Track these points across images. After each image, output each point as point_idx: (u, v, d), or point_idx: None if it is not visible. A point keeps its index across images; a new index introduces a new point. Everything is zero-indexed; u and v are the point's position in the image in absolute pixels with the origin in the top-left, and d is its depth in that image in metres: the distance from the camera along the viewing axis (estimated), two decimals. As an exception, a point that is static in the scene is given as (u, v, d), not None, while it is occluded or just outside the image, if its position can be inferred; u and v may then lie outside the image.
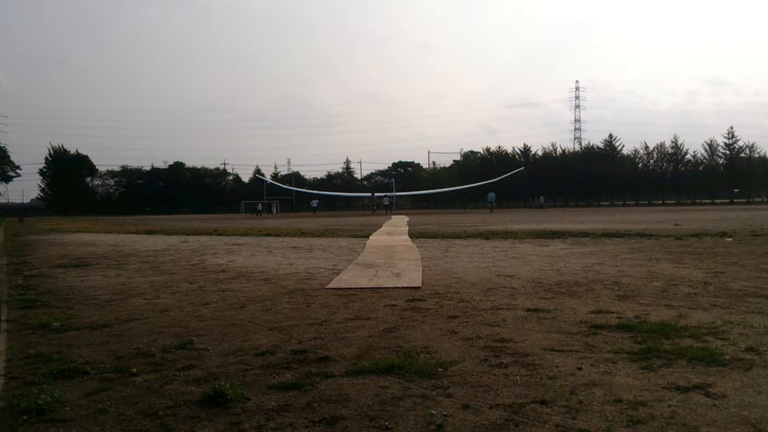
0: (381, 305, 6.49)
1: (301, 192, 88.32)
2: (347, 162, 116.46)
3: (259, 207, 69.31)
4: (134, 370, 4.14)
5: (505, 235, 17.90)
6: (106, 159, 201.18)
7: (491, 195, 63.09)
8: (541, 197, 76.78)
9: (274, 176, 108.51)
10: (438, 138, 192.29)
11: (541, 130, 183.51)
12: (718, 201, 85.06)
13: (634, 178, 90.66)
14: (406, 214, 48.28)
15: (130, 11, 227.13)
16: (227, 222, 39.00)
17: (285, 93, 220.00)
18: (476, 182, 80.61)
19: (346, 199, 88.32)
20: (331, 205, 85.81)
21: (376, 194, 69.17)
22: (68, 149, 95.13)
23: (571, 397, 3.43)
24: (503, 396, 3.48)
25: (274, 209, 74.07)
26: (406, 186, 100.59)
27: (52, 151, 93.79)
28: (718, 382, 3.64)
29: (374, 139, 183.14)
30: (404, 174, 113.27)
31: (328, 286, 8.08)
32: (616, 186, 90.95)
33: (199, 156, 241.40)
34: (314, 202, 67.44)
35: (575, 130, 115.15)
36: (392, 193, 71.17)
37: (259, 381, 3.86)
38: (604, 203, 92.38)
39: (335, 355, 4.43)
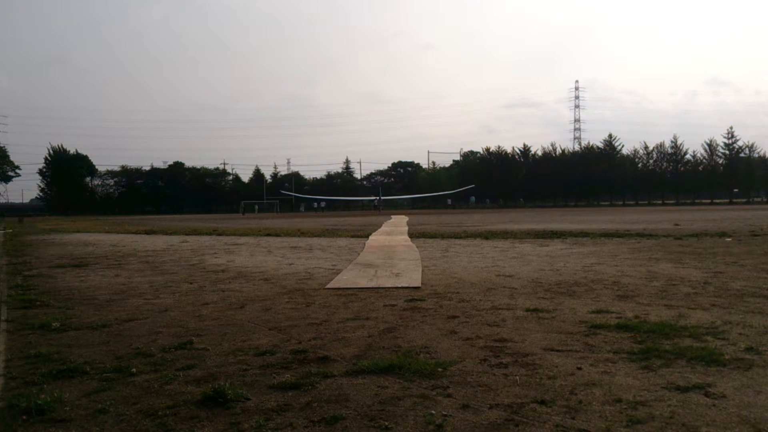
0: (381, 305, 6.49)
1: (302, 192, 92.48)
2: (347, 162, 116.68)
3: (276, 210, 74.74)
4: (134, 370, 4.15)
5: (504, 235, 17.92)
6: (106, 159, 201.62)
7: (472, 198, 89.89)
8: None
9: (274, 176, 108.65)
10: (438, 138, 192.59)
11: (541, 130, 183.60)
12: (718, 201, 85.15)
13: (633, 178, 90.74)
14: (405, 214, 48.30)
15: (130, 11, 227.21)
16: (227, 222, 38.98)
17: (285, 93, 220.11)
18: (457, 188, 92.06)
19: (346, 200, 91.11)
20: (330, 206, 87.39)
21: (372, 197, 77.17)
22: (68, 149, 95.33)
23: (570, 397, 3.43)
24: (503, 396, 3.48)
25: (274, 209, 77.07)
26: (406, 186, 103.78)
27: (51, 151, 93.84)
28: (718, 382, 3.65)
29: (374, 139, 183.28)
30: (404, 174, 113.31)
31: (328, 286, 8.08)
32: (615, 186, 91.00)
33: (199, 156, 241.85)
34: (322, 203, 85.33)
35: (575, 130, 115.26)
36: (380, 197, 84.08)
37: (258, 381, 3.87)
38: (603, 203, 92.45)
39: (335, 355, 4.43)
